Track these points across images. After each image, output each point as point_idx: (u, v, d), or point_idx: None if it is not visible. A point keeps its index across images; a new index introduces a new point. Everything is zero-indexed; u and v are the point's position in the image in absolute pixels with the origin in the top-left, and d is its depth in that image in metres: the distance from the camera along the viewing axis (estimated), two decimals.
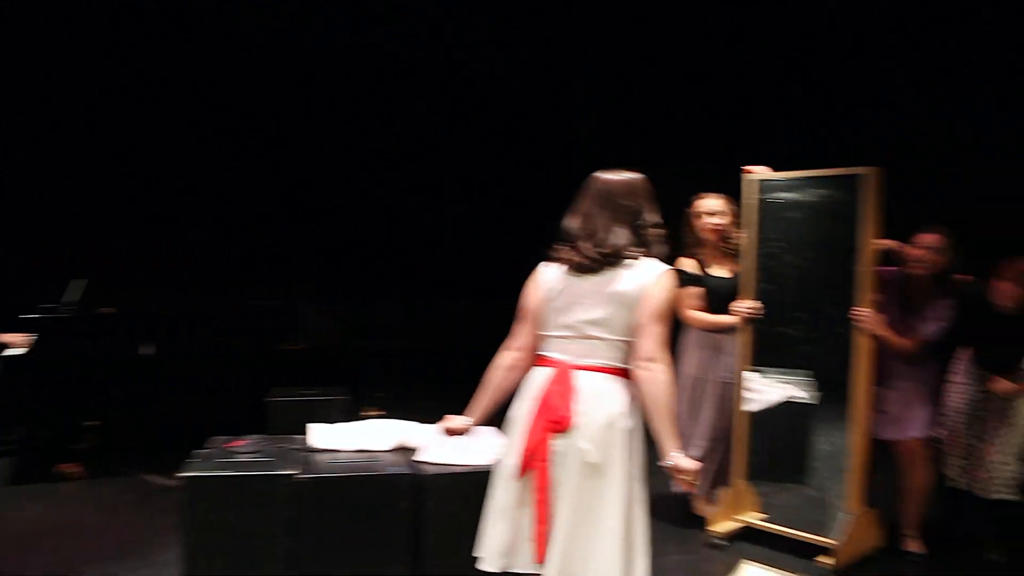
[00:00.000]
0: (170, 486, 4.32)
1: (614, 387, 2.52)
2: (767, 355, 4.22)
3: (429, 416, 4.20)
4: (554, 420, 2.47)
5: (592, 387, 2.49)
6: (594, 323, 2.50)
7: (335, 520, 3.26)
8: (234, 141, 7.82)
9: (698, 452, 4.24)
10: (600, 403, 2.49)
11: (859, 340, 3.85)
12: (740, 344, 4.20)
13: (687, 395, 4.33)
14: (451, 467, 3.40)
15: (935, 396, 4.08)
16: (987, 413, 3.99)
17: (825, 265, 4.03)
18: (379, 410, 6.46)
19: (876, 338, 3.87)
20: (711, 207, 4.34)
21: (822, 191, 4.05)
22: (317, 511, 3.24)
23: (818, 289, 4.05)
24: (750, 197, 4.17)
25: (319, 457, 3.53)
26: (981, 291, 3.96)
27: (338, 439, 3.70)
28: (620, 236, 2.51)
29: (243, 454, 3.49)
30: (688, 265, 4.35)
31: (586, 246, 2.52)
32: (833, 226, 3.98)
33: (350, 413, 4.80)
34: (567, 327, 2.55)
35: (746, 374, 4.22)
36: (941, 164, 6.24)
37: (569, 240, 2.57)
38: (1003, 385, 3.92)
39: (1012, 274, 3.87)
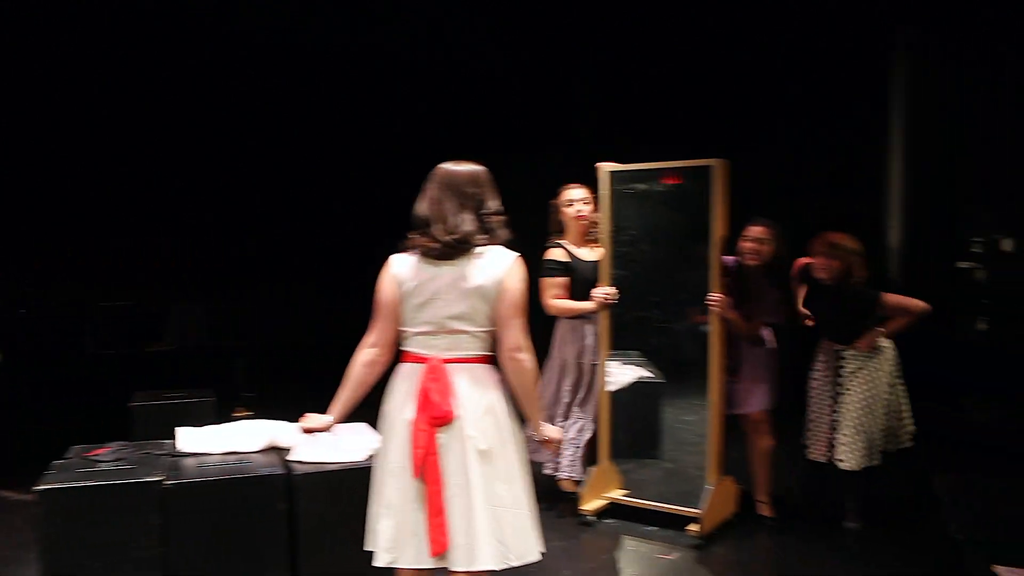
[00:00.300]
0: (26, 500, 4.13)
1: (485, 375, 2.65)
2: (626, 339, 4.46)
3: (300, 415, 4.20)
4: (437, 416, 2.56)
5: (466, 378, 2.61)
6: (457, 318, 2.59)
7: (208, 526, 3.20)
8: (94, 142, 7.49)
9: (589, 434, 4.44)
10: (476, 392, 2.60)
11: (712, 323, 4.11)
12: (600, 329, 4.40)
13: (571, 380, 4.50)
14: (325, 465, 3.41)
15: (774, 373, 4.37)
16: (843, 388, 4.26)
17: (677, 252, 4.30)
18: (248, 410, 6.35)
19: (725, 321, 4.14)
20: (578, 195, 4.50)
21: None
22: (188, 518, 3.17)
23: (670, 275, 4.33)
24: (604, 188, 4.37)
25: (186, 462, 3.46)
26: (811, 272, 4.27)
27: (207, 442, 3.64)
28: (467, 223, 2.60)
29: (104, 462, 3.38)
30: (557, 254, 4.50)
31: (437, 230, 2.60)
32: (684, 215, 4.23)
33: (219, 415, 4.71)
34: (429, 323, 2.62)
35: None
36: (782, 157, 6.70)
37: (420, 226, 2.65)
38: (863, 341, 4.19)
39: (821, 248, 4.17)
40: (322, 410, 2.77)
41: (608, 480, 4.52)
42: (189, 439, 3.66)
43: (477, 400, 2.59)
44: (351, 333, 3.33)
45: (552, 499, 4.56)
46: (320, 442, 3.54)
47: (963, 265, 7.50)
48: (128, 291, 7.11)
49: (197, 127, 7.86)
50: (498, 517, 2.57)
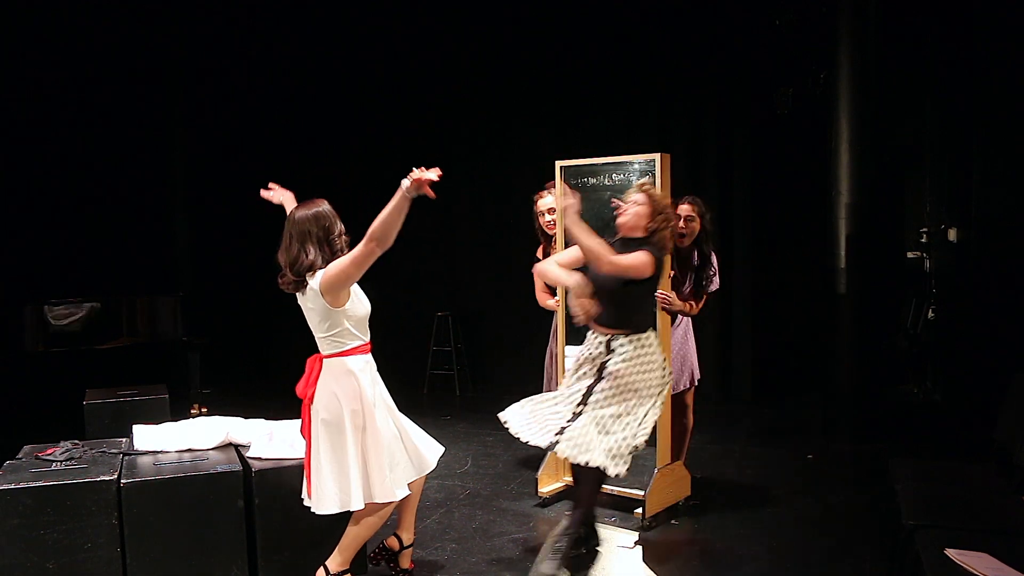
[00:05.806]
0: None
1: (336, 366, 3.16)
2: (581, 329, 4.53)
3: (255, 411, 4.19)
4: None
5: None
6: (323, 331, 3.15)
7: (166, 525, 3.19)
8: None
9: None
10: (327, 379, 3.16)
11: (660, 313, 4.18)
12: (558, 322, 4.55)
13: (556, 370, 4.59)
14: (283, 462, 3.42)
15: (693, 352, 4.49)
16: None
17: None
18: (204, 407, 6.32)
19: (670, 311, 4.24)
20: (548, 205, 4.59)
21: (619, 175, 4.36)
22: (145, 517, 3.17)
23: None
24: (557, 183, 4.43)
25: (142, 460, 3.45)
26: None
27: (163, 440, 3.63)
28: (311, 254, 3.08)
29: (57, 462, 3.36)
30: (542, 254, 4.63)
31: (288, 272, 3.11)
32: None
33: (174, 412, 4.68)
34: (317, 335, 3.19)
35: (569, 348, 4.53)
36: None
37: (281, 271, 3.14)
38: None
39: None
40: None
41: (566, 464, 4.59)
42: (146, 437, 3.64)
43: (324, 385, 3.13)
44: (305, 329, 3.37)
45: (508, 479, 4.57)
46: (277, 438, 3.57)
47: (911, 255, 7.73)
48: (77, 286, 6.96)
49: (140, 118, 7.77)
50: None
